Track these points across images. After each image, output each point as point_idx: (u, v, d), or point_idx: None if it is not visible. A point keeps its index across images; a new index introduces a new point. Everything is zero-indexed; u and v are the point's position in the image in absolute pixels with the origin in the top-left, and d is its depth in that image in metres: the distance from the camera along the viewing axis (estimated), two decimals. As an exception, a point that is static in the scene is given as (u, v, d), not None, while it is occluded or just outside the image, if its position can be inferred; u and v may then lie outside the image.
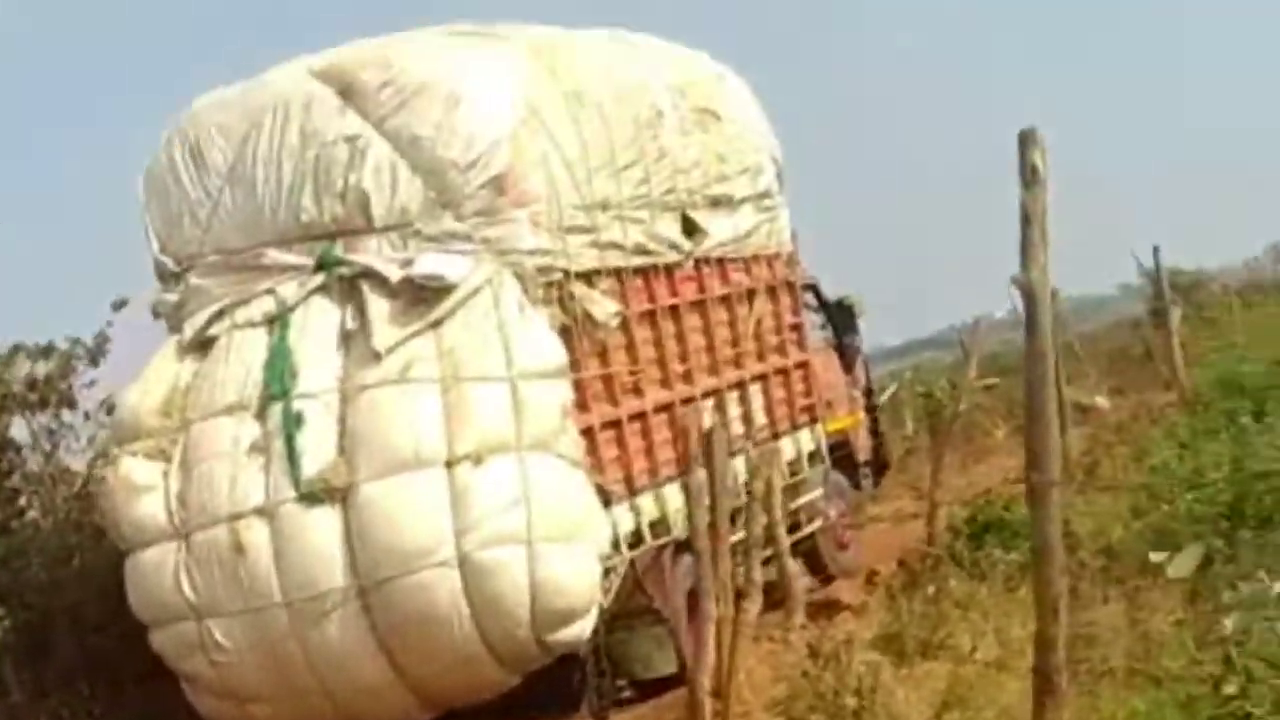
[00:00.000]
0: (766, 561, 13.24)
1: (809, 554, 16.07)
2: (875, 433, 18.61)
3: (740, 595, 11.10)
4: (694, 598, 12.82)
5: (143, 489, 11.68)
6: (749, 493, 12.14)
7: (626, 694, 12.78)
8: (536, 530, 10.95)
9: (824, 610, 13.87)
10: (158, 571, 11.58)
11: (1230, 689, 4.70)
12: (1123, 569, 11.73)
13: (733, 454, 13.44)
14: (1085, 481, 16.21)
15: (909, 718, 9.26)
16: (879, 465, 18.68)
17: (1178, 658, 6.70)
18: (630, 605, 12.61)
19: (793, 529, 15.33)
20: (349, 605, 11.08)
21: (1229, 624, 4.73)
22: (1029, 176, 6.56)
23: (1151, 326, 30.38)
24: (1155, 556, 5.29)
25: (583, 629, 11.43)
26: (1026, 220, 6.59)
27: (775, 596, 13.42)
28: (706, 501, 10.58)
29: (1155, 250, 29.25)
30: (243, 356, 11.81)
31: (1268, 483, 13.45)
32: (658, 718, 12.24)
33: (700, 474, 10.44)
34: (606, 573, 11.82)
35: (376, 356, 11.29)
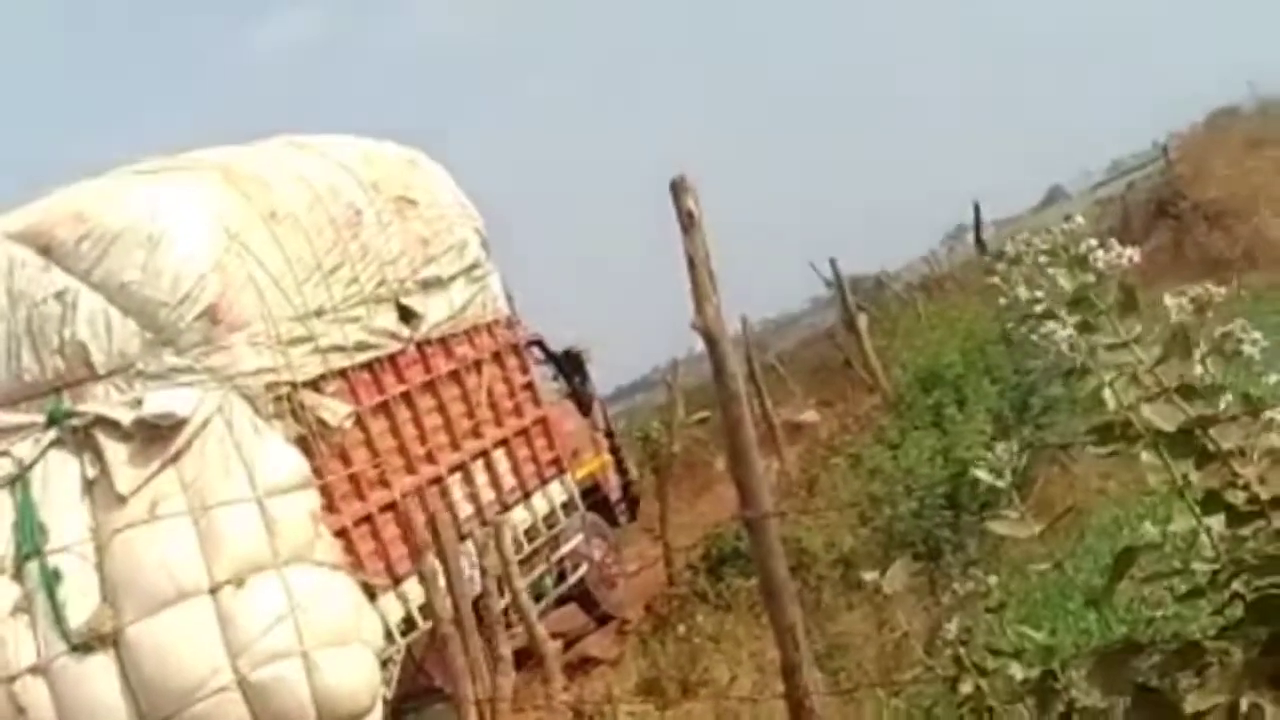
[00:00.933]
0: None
1: (582, 598, 16.51)
2: (622, 470, 19.13)
3: (492, 672, 11.10)
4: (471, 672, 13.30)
5: (-86, 669, 11.61)
6: (483, 571, 11.80)
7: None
8: (308, 640, 11.14)
9: (580, 668, 13.92)
10: None
11: (966, 688, 4.57)
12: (858, 575, 11.87)
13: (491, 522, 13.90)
14: (808, 498, 16.19)
15: None
16: (631, 500, 19.20)
17: (914, 666, 6.49)
18: (414, 688, 12.94)
19: (560, 579, 15.79)
20: None
21: (951, 627, 4.61)
22: (686, 222, 6.70)
23: (845, 334, 30.16)
24: (868, 575, 5.10)
25: None
26: (692, 264, 6.72)
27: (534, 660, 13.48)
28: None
29: (833, 262, 29.93)
30: (-11, 522, 11.78)
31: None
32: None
33: (432, 560, 10.41)
34: (385, 664, 12.08)
35: (122, 500, 11.37)
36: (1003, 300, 3.95)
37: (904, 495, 13.89)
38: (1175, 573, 3.98)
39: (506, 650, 10.85)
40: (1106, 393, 3.92)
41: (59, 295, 11.89)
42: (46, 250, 12.00)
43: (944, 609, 4.74)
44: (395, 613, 12.71)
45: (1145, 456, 3.89)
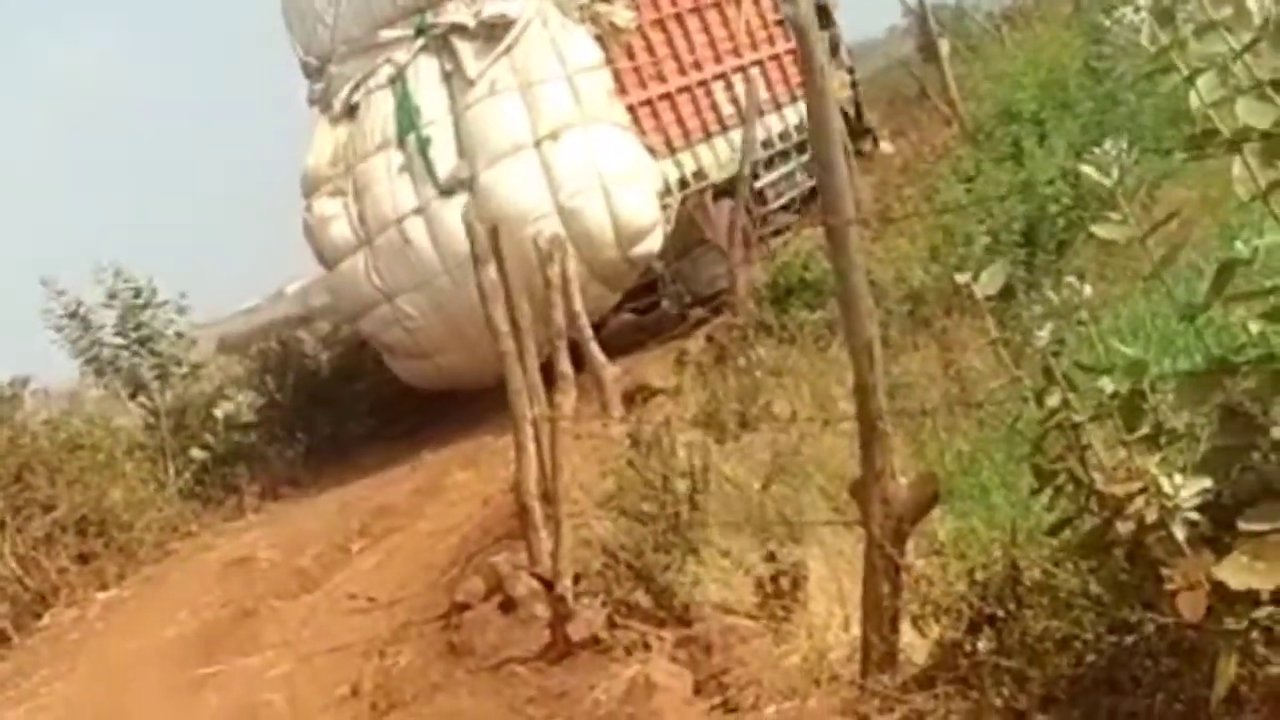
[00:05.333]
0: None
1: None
2: (858, 105, 20.40)
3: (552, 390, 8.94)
4: (733, 230, 14.83)
5: (332, 219, 14.00)
6: (545, 283, 9.90)
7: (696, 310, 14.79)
8: (607, 177, 13.30)
9: (638, 396, 12.22)
10: (353, 275, 13.95)
11: (1053, 401, 3.96)
12: (929, 312, 10.92)
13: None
14: (880, 228, 13.92)
15: (739, 492, 8.03)
16: (865, 130, 20.45)
17: (996, 377, 5.51)
18: (689, 239, 14.77)
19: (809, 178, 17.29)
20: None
21: (1044, 334, 3.95)
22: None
23: (923, 64, 25.54)
24: (961, 278, 4.42)
25: (654, 244, 13.78)
26: (783, -50, 5.20)
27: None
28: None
29: None
30: (379, 111, 13.98)
31: (1058, 205, 12.54)
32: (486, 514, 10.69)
33: (490, 270, 8.45)
34: (664, 209, 14.08)
35: (471, 83, 13.52)
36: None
37: (979, 230, 12.36)
38: (1266, 291, 3.54)
39: (567, 367, 9.24)
40: (1191, 93, 3.35)
41: None
42: None
43: (1035, 317, 4.04)
44: (672, 174, 14.64)
45: (1236, 168, 3.41)
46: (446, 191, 13.43)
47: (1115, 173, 3.70)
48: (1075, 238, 11.93)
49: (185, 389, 15.14)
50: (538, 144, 13.26)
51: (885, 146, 22.08)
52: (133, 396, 14.96)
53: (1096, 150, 3.77)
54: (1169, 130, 12.48)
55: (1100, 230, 3.83)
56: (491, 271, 8.32)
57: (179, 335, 15.14)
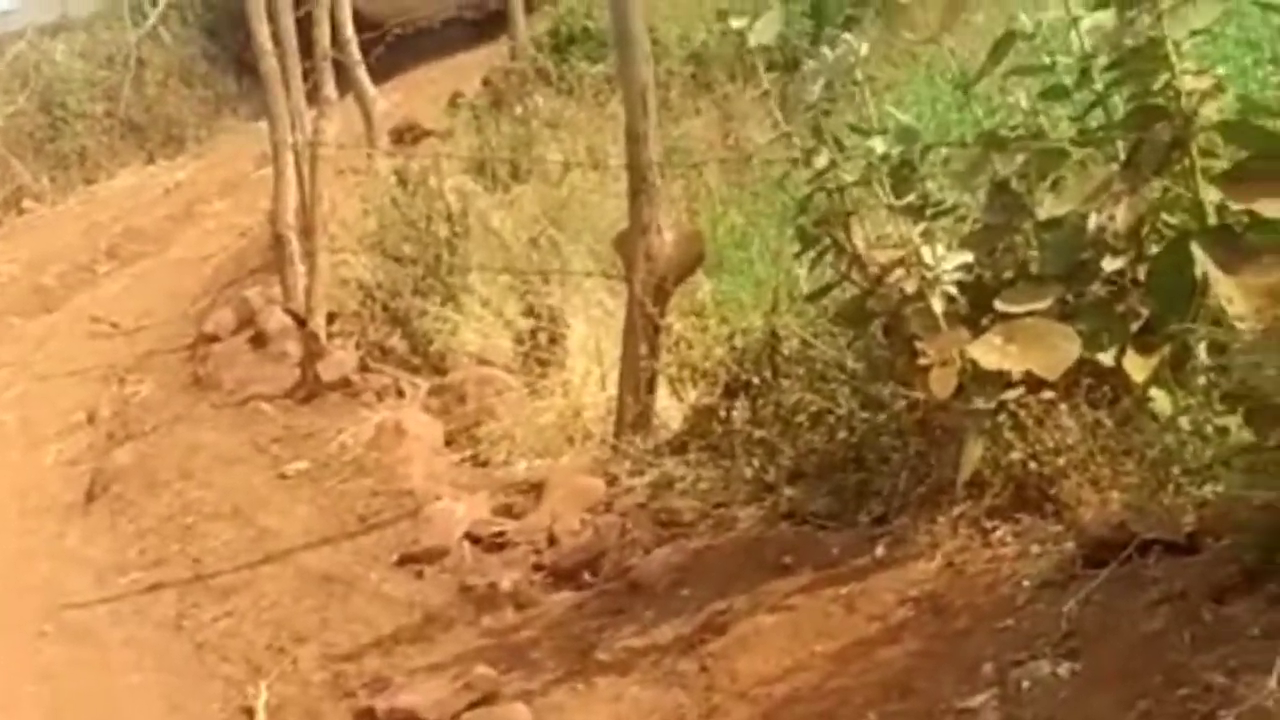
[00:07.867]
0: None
1: None
2: None
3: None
4: None
5: None
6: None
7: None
8: None
9: (407, 135, 11.53)
10: None
11: (821, 161, 3.81)
12: (711, 77, 10.55)
13: None
14: None
15: (505, 240, 7.68)
16: None
17: (766, 134, 5.07)
18: None
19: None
20: None
21: (815, 89, 3.75)
22: None
23: None
24: (736, 22, 4.11)
25: None
26: None
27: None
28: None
29: None
30: None
31: None
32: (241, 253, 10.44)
33: None
34: None
35: None
36: None
37: None
38: (1043, 68, 3.54)
39: (332, 91, 8.32)
40: None
41: None
42: None
43: (808, 73, 3.78)
44: None
45: None
46: None
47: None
48: (864, 15, 11.93)
49: (-76, 85, 14.11)
50: None
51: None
52: None
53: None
54: None
55: None
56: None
57: None
